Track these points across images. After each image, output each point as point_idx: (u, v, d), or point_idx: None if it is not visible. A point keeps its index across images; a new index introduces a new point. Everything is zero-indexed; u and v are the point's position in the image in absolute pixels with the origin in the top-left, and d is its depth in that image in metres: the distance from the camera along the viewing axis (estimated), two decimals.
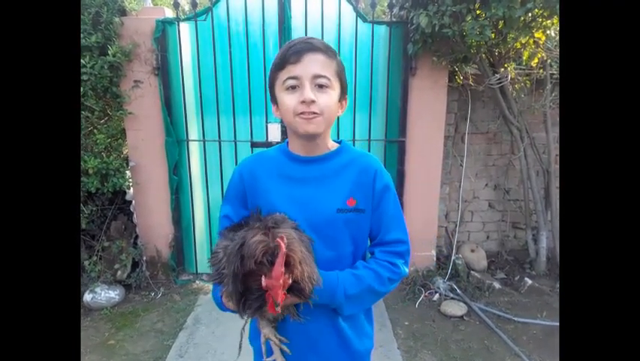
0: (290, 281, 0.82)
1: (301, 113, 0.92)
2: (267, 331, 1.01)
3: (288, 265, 0.81)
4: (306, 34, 2.90)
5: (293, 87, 0.92)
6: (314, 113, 0.92)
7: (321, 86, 0.92)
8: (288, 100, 0.93)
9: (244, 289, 0.85)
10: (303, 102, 0.91)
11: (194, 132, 3.15)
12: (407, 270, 1.05)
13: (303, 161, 1.02)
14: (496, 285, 3.15)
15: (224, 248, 0.89)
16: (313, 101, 0.90)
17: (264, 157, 1.08)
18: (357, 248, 1.03)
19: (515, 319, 2.78)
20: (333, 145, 1.05)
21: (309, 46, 0.91)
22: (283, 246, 0.78)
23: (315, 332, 1.02)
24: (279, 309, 0.81)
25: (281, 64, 0.93)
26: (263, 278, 0.81)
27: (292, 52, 0.91)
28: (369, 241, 1.08)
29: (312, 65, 0.91)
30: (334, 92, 0.95)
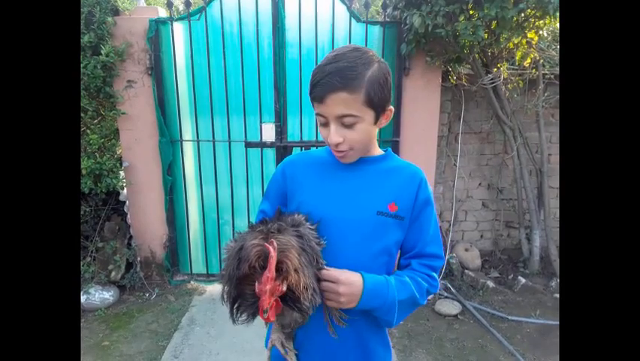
0: (283, 289, 0.80)
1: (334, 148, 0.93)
2: (274, 337, 0.99)
3: (280, 271, 0.80)
4: (300, 35, 2.91)
5: (322, 123, 0.92)
6: (343, 151, 0.92)
7: (348, 125, 0.89)
8: (322, 133, 0.93)
9: (237, 294, 0.84)
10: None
11: (187, 132, 3.13)
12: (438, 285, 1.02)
13: None
14: (490, 284, 3.17)
15: (230, 249, 0.88)
16: (339, 144, 0.90)
17: (310, 155, 1.08)
18: (391, 258, 1.00)
19: (509, 317, 2.80)
20: (379, 152, 1.04)
21: (329, 87, 0.85)
22: (271, 250, 0.77)
23: (337, 344, 0.99)
24: (267, 316, 0.79)
25: (311, 97, 0.91)
26: (256, 284, 0.80)
27: (315, 93, 0.88)
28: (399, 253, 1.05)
29: (335, 106, 0.87)
30: (364, 123, 0.90)
